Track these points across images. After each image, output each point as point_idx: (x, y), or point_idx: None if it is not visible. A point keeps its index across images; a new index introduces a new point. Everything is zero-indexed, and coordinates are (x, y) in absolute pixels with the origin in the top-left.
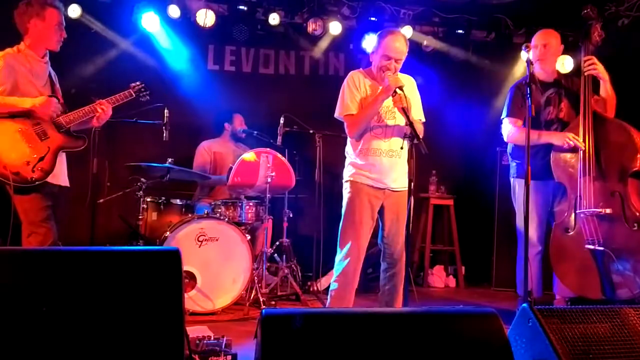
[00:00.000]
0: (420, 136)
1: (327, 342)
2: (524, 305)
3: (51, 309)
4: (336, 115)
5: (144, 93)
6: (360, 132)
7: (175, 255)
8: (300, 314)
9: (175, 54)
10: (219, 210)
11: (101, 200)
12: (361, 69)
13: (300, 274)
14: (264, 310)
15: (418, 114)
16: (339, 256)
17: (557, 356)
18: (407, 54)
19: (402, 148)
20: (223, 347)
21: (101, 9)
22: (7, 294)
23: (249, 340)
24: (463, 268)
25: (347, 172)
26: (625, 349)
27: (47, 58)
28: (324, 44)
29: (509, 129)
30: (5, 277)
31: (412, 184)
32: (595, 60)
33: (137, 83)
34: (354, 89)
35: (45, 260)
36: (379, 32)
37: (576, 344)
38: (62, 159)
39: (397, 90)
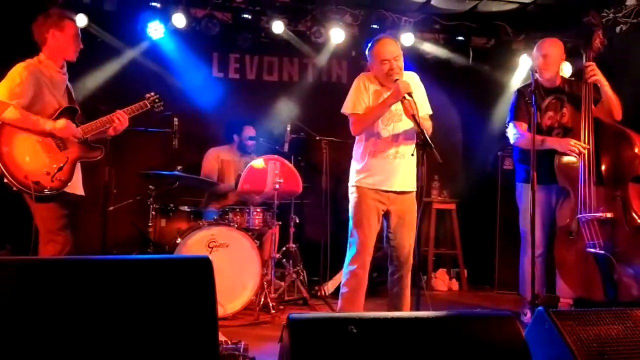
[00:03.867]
0: (430, 131)
1: (353, 345)
2: (540, 308)
3: (83, 319)
4: (342, 110)
5: (159, 104)
6: (363, 131)
7: (207, 264)
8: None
9: (180, 62)
10: (227, 217)
11: (111, 208)
12: (369, 72)
13: (306, 278)
14: (290, 315)
15: (425, 109)
16: (347, 260)
17: (573, 357)
18: (403, 55)
19: (413, 155)
20: (242, 351)
21: (107, 18)
22: (42, 303)
23: (261, 344)
24: (465, 271)
25: (353, 177)
26: (638, 349)
27: (65, 69)
28: (327, 51)
29: (515, 133)
30: (38, 286)
31: (422, 189)
32: (595, 67)
33: (152, 94)
34: (363, 90)
35: (77, 269)
36: (367, 47)
37: (591, 345)
38: (78, 168)
39: (407, 96)
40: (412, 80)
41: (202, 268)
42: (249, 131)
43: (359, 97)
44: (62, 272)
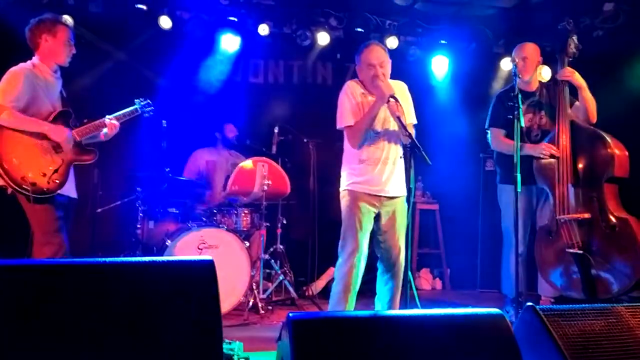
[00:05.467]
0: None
1: (353, 343)
2: (528, 304)
3: (89, 321)
4: (337, 126)
5: (149, 109)
6: (361, 142)
7: (210, 266)
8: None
9: (166, 64)
10: (215, 218)
11: (99, 210)
12: (356, 79)
13: (293, 279)
14: (290, 314)
15: (410, 118)
16: (340, 261)
17: (560, 351)
18: (390, 61)
19: (401, 157)
20: (236, 350)
21: (93, 20)
22: (47, 306)
23: (252, 344)
24: (448, 270)
25: (344, 181)
26: (619, 343)
27: (59, 73)
28: (312, 54)
29: (494, 140)
30: (46, 289)
31: (410, 191)
32: (571, 70)
33: (142, 99)
34: (351, 97)
35: (81, 272)
36: (357, 52)
37: (576, 340)
38: (71, 171)
39: (391, 98)
40: (400, 90)
41: (206, 270)
42: (230, 129)
43: (348, 108)
44: (64, 275)
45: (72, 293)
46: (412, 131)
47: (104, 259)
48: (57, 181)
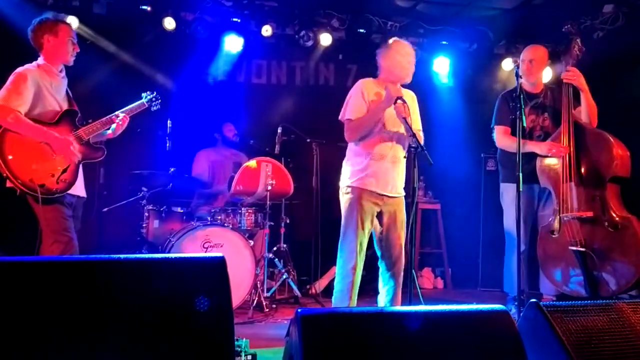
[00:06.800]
0: (421, 140)
1: (362, 338)
2: (532, 301)
3: (100, 318)
4: (340, 117)
5: (156, 102)
6: (358, 138)
7: (221, 263)
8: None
9: (170, 64)
10: (219, 218)
11: (105, 209)
12: (371, 78)
13: (296, 277)
14: (299, 311)
15: (417, 125)
16: (341, 259)
17: (563, 346)
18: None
19: (405, 157)
20: (243, 347)
21: (97, 21)
22: (56, 303)
23: (258, 342)
24: (450, 269)
25: (347, 177)
26: (621, 338)
27: (64, 73)
28: (314, 54)
29: (500, 136)
30: (56, 286)
31: (414, 191)
32: (577, 72)
33: (149, 93)
34: (361, 97)
35: (93, 269)
36: (385, 45)
37: (579, 335)
38: (80, 170)
39: (398, 100)
40: (411, 99)
41: (218, 267)
42: (229, 128)
43: (356, 103)
44: (73, 272)
45: (84, 289)
46: (421, 135)
47: (117, 256)
48: (66, 181)
